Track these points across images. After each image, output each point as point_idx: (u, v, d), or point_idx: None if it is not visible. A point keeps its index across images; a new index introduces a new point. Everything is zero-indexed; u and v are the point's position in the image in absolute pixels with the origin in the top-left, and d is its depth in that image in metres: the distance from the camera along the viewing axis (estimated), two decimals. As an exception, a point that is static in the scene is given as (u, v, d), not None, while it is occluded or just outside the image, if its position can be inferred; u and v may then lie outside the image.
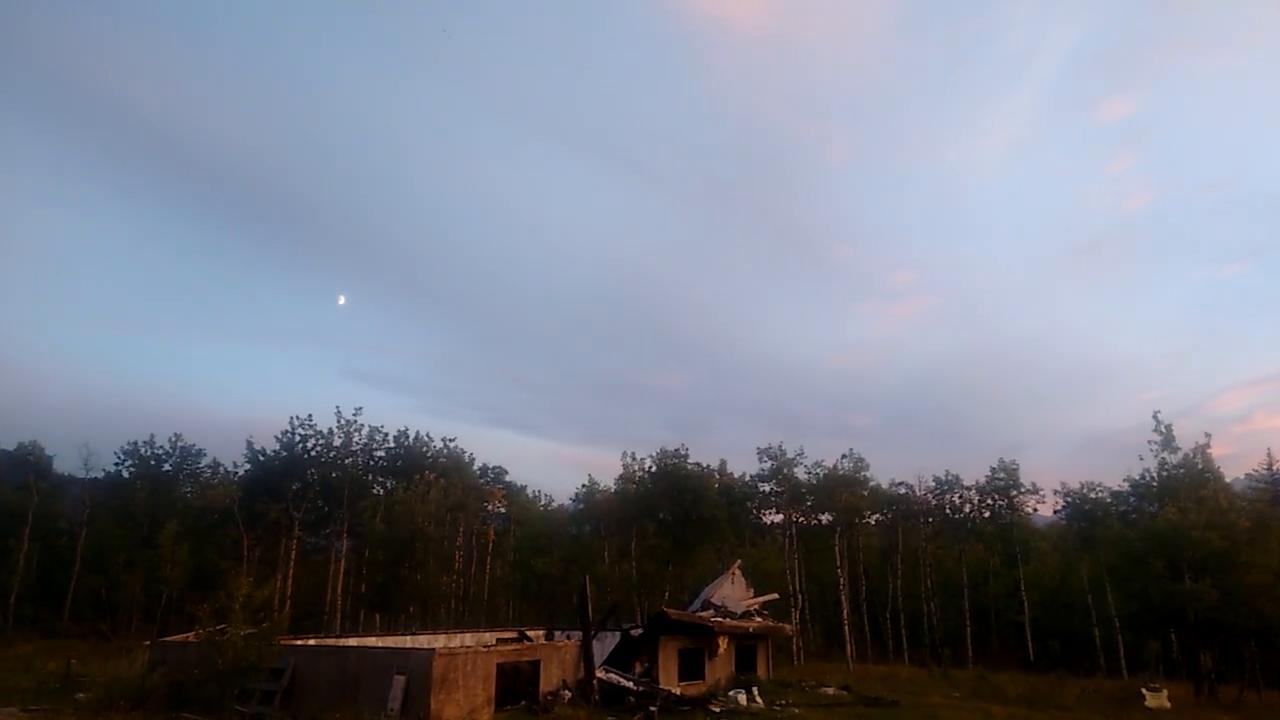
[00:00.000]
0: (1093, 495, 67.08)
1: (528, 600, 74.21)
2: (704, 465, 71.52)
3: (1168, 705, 36.88)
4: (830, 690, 36.81)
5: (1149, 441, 52.34)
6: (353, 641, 31.92)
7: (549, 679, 27.89)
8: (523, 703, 26.14)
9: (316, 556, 71.00)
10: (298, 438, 65.24)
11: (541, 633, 40.03)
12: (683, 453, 69.98)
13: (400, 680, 22.75)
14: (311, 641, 30.00)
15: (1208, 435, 57.05)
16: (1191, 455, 51.45)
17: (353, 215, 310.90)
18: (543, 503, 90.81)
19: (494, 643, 33.61)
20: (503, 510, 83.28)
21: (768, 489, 70.49)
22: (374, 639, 33.77)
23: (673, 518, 67.25)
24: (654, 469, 69.89)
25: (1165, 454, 51.87)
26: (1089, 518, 66.30)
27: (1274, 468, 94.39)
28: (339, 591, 63.70)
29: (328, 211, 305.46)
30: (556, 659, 28.67)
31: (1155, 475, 53.90)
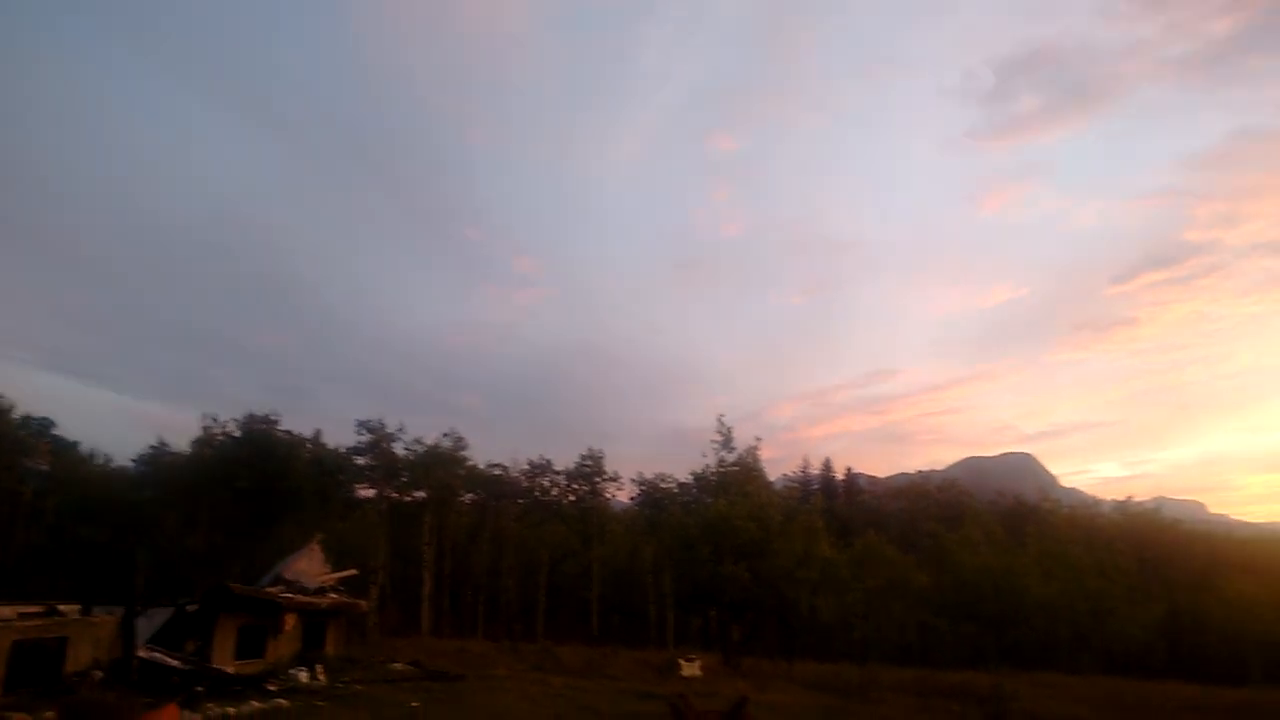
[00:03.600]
0: (663, 485, 74.39)
1: (67, 571, 64.88)
2: (295, 433, 67.94)
3: (699, 673, 41.98)
4: (399, 666, 36.84)
5: (712, 441, 59.27)
6: None
7: (79, 658, 24.79)
8: (41, 684, 22.92)
9: None
10: None
11: (77, 608, 35.29)
12: (273, 418, 65.89)
13: None
14: None
15: (758, 439, 66.19)
16: (745, 455, 59.17)
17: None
18: (99, 462, 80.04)
19: (14, 618, 29.05)
20: (45, 468, 72.07)
21: (363, 462, 68.71)
22: None
23: (254, 487, 62.94)
24: (238, 434, 64.91)
25: (724, 453, 59.09)
26: (658, 505, 73.43)
27: (806, 470, 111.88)
28: None
29: None
30: (90, 636, 25.56)
31: (715, 471, 61.19)
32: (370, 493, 70.51)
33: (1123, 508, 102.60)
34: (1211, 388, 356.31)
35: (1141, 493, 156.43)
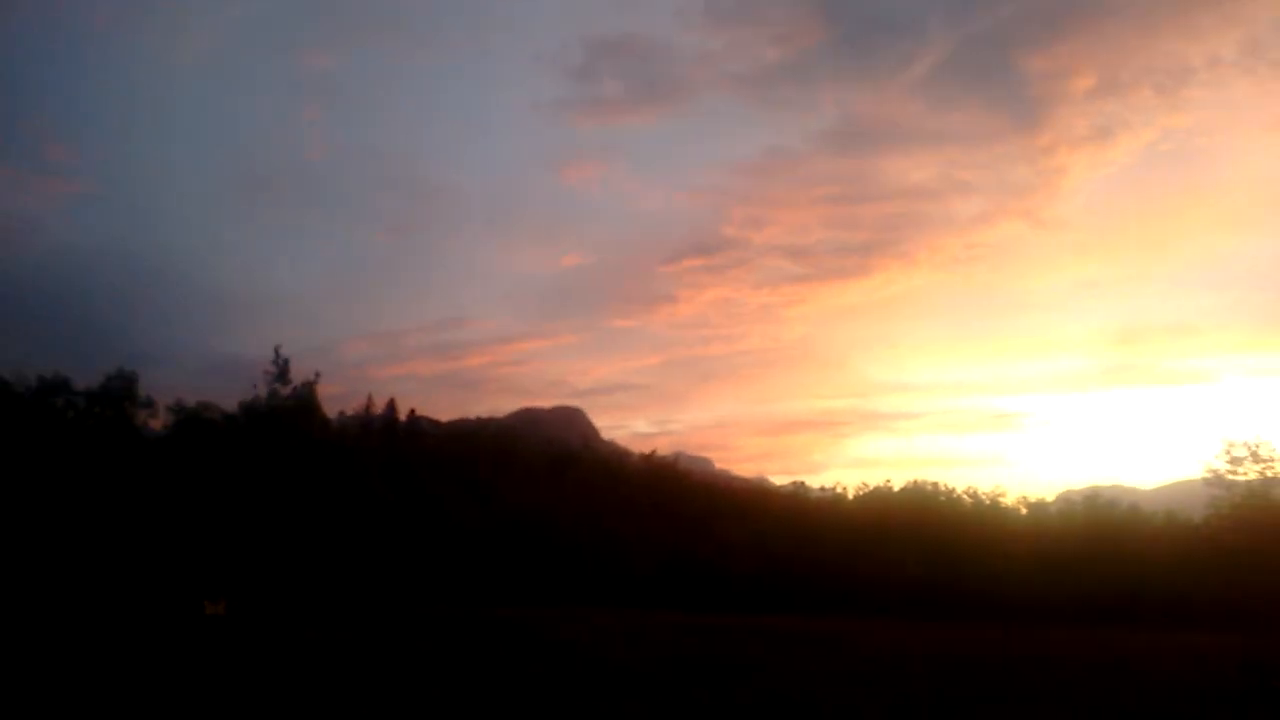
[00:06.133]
0: (206, 415, 68.71)
1: None
2: None
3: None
4: None
5: (266, 372, 56.29)
6: None
7: None
8: None
9: None
10: None
11: None
12: None
13: None
14: None
15: (317, 374, 63.90)
16: (301, 389, 57.03)
17: None
18: None
19: None
20: None
21: None
22: None
23: None
24: None
25: (279, 385, 56.40)
26: (205, 435, 67.61)
27: (370, 410, 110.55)
28: None
29: None
30: None
31: (267, 404, 58.19)
32: None
33: (648, 460, 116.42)
34: (728, 362, 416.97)
35: (665, 448, 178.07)
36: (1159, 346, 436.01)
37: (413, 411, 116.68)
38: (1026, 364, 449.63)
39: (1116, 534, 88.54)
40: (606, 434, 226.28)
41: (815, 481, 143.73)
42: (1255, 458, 68.89)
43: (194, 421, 68.21)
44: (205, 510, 61.47)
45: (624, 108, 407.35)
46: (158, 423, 71.42)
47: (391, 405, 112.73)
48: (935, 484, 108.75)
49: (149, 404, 69.72)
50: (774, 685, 23.85)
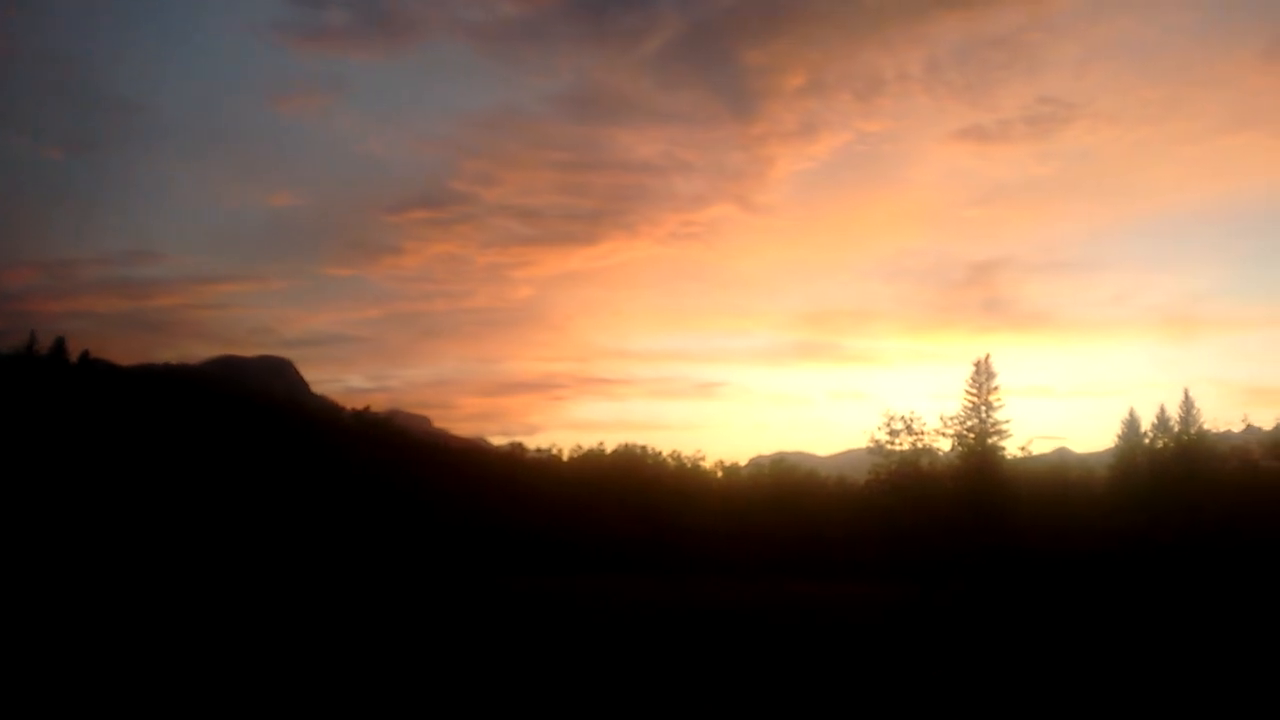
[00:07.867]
0: None
1: None
2: None
3: None
4: None
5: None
6: None
7: None
8: None
9: None
10: None
11: None
12: None
13: None
14: None
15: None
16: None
17: None
18: None
19: None
20: None
21: None
22: None
23: None
24: None
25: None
26: None
27: (33, 349, 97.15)
28: None
29: None
30: None
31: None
32: None
33: (360, 416, 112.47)
34: (451, 320, 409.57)
35: (380, 404, 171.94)
36: (841, 328, 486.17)
37: (86, 353, 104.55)
38: (729, 338, 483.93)
39: (797, 496, 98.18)
40: (317, 388, 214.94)
41: (532, 443, 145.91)
42: (909, 430, 78.84)
43: None
44: None
45: (350, 40, 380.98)
46: None
47: (60, 344, 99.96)
48: (644, 447, 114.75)
49: None
50: (487, 642, 24.22)
